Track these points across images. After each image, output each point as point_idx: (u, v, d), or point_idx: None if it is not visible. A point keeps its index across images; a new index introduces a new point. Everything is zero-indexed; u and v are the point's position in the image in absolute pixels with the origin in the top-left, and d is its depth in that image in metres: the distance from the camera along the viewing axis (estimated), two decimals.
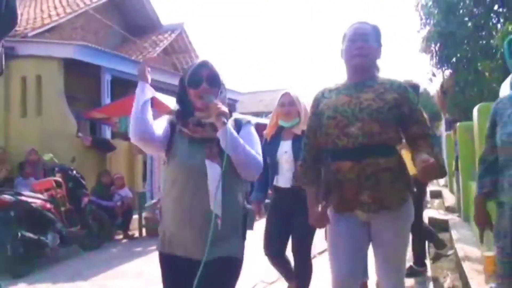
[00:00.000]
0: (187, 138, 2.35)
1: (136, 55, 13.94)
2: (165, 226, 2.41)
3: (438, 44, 10.20)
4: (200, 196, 2.26)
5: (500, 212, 2.43)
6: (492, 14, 9.97)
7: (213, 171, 2.26)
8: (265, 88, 27.81)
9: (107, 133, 11.11)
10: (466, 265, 4.64)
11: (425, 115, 2.64)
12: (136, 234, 8.89)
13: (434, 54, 10.42)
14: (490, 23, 9.94)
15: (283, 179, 3.92)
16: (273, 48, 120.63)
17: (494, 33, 8.98)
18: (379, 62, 2.81)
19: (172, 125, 2.41)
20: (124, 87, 11.37)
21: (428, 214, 8.82)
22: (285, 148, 3.92)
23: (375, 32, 2.75)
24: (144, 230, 8.94)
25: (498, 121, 2.48)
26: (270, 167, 4.02)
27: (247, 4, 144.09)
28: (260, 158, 2.36)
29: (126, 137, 10.81)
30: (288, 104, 3.92)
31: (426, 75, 11.53)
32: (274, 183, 4.02)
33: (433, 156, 2.31)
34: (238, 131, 2.38)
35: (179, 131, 2.39)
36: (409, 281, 4.76)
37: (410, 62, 66.42)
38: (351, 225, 2.64)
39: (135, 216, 9.07)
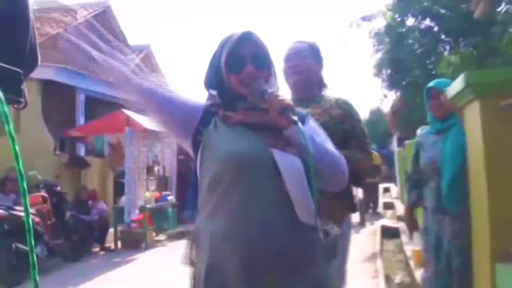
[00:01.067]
0: (234, 126, 1.70)
1: (105, 75, 14.49)
2: (202, 259, 1.66)
3: (389, 70, 11.21)
4: (283, 202, 1.58)
5: (425, 214, 3.26)
6: (439, 43, 11.00)
7: (289, 163, 1.61)
8: None
9: (81, 151, 11.59)
10: (412, 264, 5.48)
11: (366, 133, 2.73)
12: (112, 247, 9.40)
13: (386, 78, 11.44)
14: (437, 51, 10.95)
15: None
16: None
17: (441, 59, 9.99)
18: (324, 77, 2.82)
19: (206, 114, 1.76)
20: (96, 106, 11.97)
21: (381, 223, 9.79)
22: None
23: (312, 49, 2.75)
24: (119, 243, 9.46)
25: (421, 149, 3.31)
26: None
27: (215, 25, 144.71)
28: (343, 158, 1.73)
29: (99, 155, 11.37)
30: None
31: (379, 95, 12.56)
32: None
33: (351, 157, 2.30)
34: None
35: (223, 117, 1.72)
36: (362, 279, 5.58)
37: (366, 82, 68.88)
38: None
39: (111, 229, 9.61)
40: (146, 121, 10.58)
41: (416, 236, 3.56)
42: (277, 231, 1.57)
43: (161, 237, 10.19)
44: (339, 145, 2.34)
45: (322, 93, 2.79)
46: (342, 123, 2.58)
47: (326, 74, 2.87)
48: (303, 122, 1.71)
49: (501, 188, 2.30)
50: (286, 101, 1.64)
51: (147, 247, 9.07)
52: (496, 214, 2.31)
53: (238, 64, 1.70)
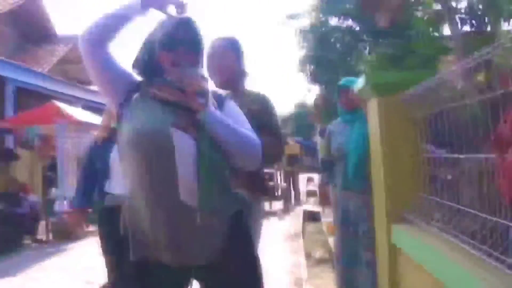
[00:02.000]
0: (152, 101, 1.80)
1: (32, 65, 14.27)
2: (128, 225, 1.84)
3: (312, 66, 11.84)
4: (170, 180, 1.68)
5: (335, 191, 3.85)
6: (359, 43, 11.67)
7: (184, 145, 1.70)
8: None
9: (10, 143, 11.42)
10: (330, 241, 6.13)
11: (279, 123, 2.93)
12: (44, 238, 9.41)
13: (309, 74, 12.07)
14: (358, 50, 11.62)
15: (118, 184, 3.56)
16: None
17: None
18: (246, 68, 2.92)
19: (137, 84, 1.87)
20: (27, 98, 11.82)
21: (304, 208, 10.49)
22: None
23: (232, 45, 2.86)
24: (51, 234, 9.49)
25: (332, 136, 3.89)
26: (100, 171, 3.76)
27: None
28: (256, 137, 1.87)
29: (29, 147, 11.29)
30: None
31: (304, 90, 13.21)
32: (106, 189, 3.72)
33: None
34: (220, 108, 1.87)
35: (145, 91, 1.83)
36: (286, 256, 6.15)
37: (292, 77, 70.50)
38: None
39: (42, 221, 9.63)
40: (78, 113, 10.72)
41: (328, 209, 4.18)
42: (168, 207, 1.73)
43: (92, 228, 10.30)
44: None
45: (244, 86, 2.92)
46: (258, 117, 2.62)
47: (249, 65, 2.97)
48: (222, 104, 1.91)
49: (393, 167, 2.76)
50: (201, 86, 1.79)
51: (79, 238, 9.19)
52: (390, 187, 2.76)
53: (173, 44, 1.82)
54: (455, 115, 2.04)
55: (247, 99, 2.76)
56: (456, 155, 2.20)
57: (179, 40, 1.82)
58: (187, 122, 1.74)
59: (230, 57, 2.84)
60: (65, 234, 9.30)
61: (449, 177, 2.44)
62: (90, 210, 3.93)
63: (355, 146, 3.53)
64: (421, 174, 2.53)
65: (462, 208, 1.98)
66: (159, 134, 1.71)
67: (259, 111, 2.73)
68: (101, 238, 3.79)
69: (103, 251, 3.74)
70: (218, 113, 1.80)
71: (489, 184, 1.82)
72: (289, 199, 13.03)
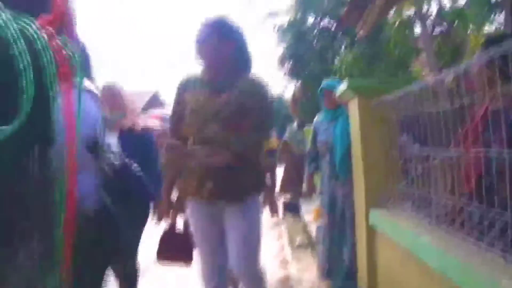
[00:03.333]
0: None
1: None
2: None
3: (290, 62, 12.26)
4: None
5: (322, 180, 4.33)
6: (335, 41, 12.13)
7: None
8: None
9: None
10: (309, 227, 6.61)
11: (266, 114, 2.70)
12: None
13: (287, 70, 12.49)
14: (334, 48, 12.07)
15: None
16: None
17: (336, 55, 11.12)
18: (243, 53, 2.66)
19: None
20: None
21: (284, 198, 10.90)
22: None
23: (214, 28, 2.57)
24: None
25: (317, 132, 4.36)
26: None
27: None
28: None
29: None
30: None
31: (282, 84, 13.68)
32: None
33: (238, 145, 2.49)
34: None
35: None
36: (269, 242, 6.59)
37: (270, 72, 70.30)
38: (204, 217, 2.71)
39: None
40: None
41: (314, 197, 4.67)
42: None
43: None
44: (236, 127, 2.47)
45: (234, 73, 2.62)
46: (246, 111, 2.54)
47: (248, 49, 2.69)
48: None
49: (371, 159, 3.16)
50: None
51: None
52: (368, 177, 3.18)
53: None
54: (424, 117, 2.41)
55: (239, 90, 2.57)
56: (422, 152, 2.59)
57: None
58: None
59: (209, 39, 2.56)
60: None
61: (420, 169, 2.86)
62: None
63: (340, 141, 3.97)
64: (394, 167, 2.90)
65: (429, 195, 2.37)
66: None
67: (248, 104, 2.55)
68: None
69: None
70: None
71: (453, 175, 2.21)
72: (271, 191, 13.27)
